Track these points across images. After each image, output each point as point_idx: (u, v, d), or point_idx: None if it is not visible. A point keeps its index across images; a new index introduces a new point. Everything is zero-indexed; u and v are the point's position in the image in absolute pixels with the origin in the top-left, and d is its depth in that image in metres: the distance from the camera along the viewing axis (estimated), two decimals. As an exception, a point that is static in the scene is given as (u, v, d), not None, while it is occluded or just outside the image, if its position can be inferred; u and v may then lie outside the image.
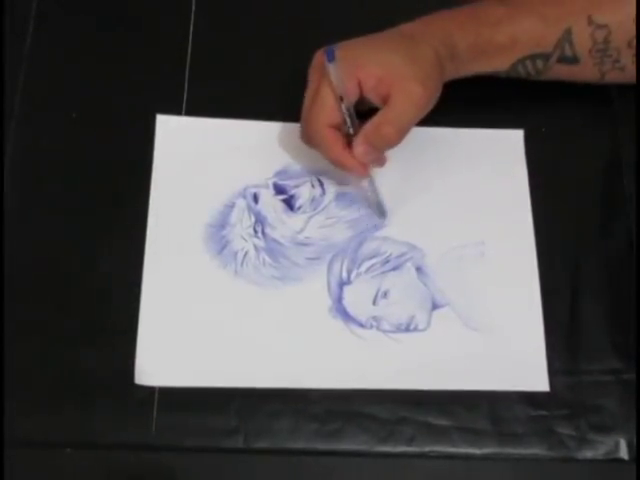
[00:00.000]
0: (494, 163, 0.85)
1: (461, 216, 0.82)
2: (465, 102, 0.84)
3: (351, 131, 0.76)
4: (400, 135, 0.76)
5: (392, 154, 0.80)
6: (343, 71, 0.74)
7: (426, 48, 0.77)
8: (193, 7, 0.89)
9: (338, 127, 0.77)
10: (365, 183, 0.81)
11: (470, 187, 0.84)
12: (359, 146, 0.76)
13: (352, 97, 0.76)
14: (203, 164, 0.83)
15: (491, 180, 0.84)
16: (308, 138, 0.78)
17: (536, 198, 0.84)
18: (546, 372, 0.77)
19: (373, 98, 0.76)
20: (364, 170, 0.78)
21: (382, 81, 0.75)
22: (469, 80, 0.82)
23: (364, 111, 0.77)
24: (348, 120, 0.76)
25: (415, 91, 0.75)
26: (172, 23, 0.89)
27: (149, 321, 0.77)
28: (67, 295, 0.78)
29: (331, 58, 0.73)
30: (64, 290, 0.78)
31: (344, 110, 0.75)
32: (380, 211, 0.82)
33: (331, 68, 0.74)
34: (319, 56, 0.78)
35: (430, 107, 0.77)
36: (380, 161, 0.80)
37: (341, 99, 0.75)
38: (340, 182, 0.83)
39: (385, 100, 0.75)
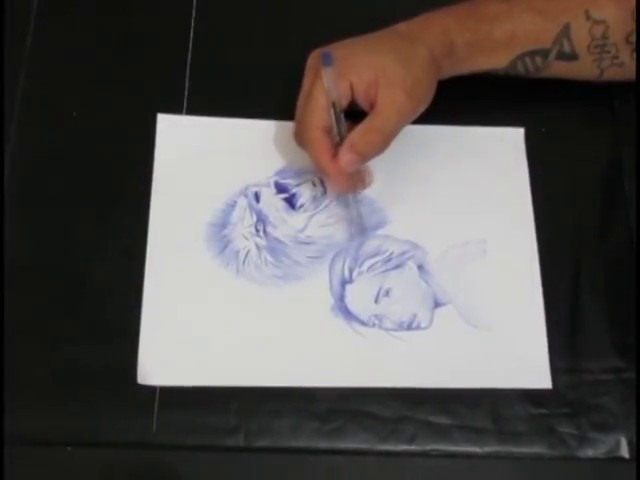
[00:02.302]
0: (495, 161, 0.85)
1: (463, 214, 0.82)
2: (465, 102, 0.84)
3: (338, 139, 0.76)
4: (386, 142, 0.76)
5: (393, 152, 0.80)
6: (338, 74, 0.75)
7: (421, 48, 0.77)
8: (194, 6, 0.90)
9: (329, 131, 0.77)
10: (349, 198, 0.81)
11: (471, 185, 0.84)
12: (345, 155, 0.75)
13: (344, 100, 0.76)
14: (204, 163, 0.83)
15: (492, 178, 0.84)
16: (300, 138, 0.78)
17: (536, 198, 0.84)
18: (548, 369, 0.77)
19: (362, 102, 0.77)
20: (345, 184, 0.77)
21: (372, 86, 0.75)
22: (470, 79, 0.82)
23: (356, 112, 0.77)
24: (335, 127, 0.76)
25: (400, 99, 0.75)
26: (173, 22, 0.89)
27: (151, 320, 0.77)
28: (68, 294, 0.78)
29: (328, 62, 0.74)
30: (65, 289, 0.78)
31: (333, 117, 0.75)
32: (361, 228, 0.81)
33: (326, 72, 0.74)
34: (314, 56, 0.78)
35: (418, 112, 0.78)
36: (362, 182, 0.80)
37: (332, 105, 0.75)
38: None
39: (372, 105, 0.76)
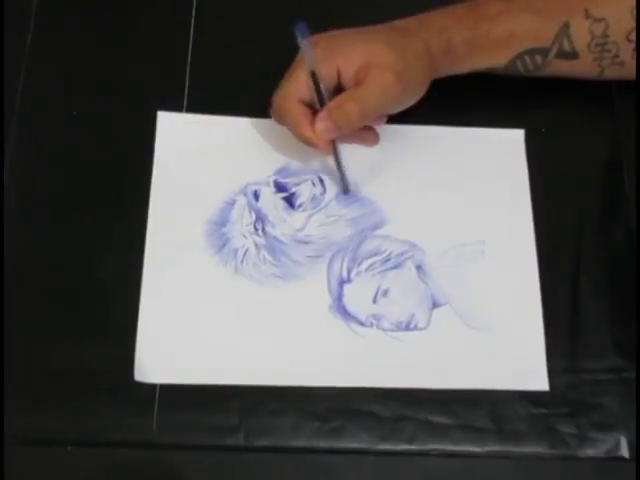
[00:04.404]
0: (495, 162, 0.85)
1: (462, 215, 0.82)
2: (465, 102, 0.85)
3: (318, 107, 0.76)
4: (362, 115, 0.76)
5: (392, 152, 0.80)
6: (324, 56, 0.75)
7: (416, 41, 0.77)
8: (194, 5, 0.90)
9: (308, 104, 0.77)
10: (330, 158, 0.81)
11: (471, 186, 0.84)
12: (320, 121, 0.76)
13: (328, 81, 0.76)
14: (204, 161, 0.83)
15: (492, 179, 0.84)
16: (276, 111, 0.79)
17: (536, 198, 0.84)
18: (546, 372, 0.77)
19: (350, 86, 0.77)
20: (327, 147, 0.78)
21: (362, 69, 0.75)
22: (470, 80, 0.82)
23: None
24: (315, 96, 0.76)
25: (387, 79, 0.75)
26: (173, 20, 0.89)
27: (149, 318, 0.77)
28: (68, 293, 0.78)
29: (303, 33, 0.74)
30: (65, 288, 0.78)
31: (312, 85, 0.75)
32: (344, 186, 0.82)
33: (302, 44, 0.74)
34: None
35: (406, 100, 0.78)
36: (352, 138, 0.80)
37: (312, 75, 0.75)
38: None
39: (359, 85, 0.76)
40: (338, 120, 0.76)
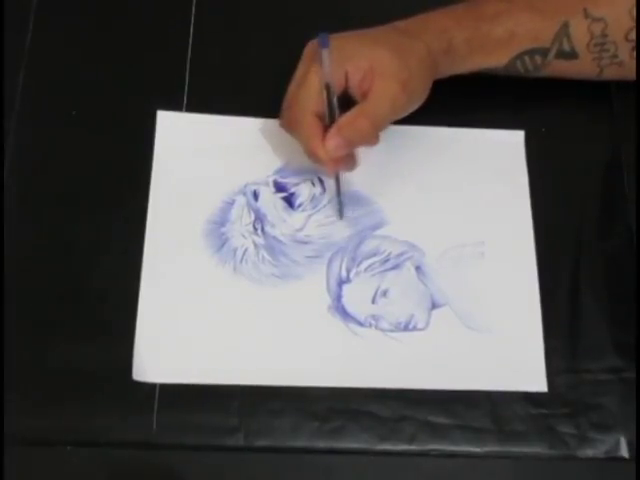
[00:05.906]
0: (495, 163, 0.85)
1: (461, 216, 0.82)
2: (465, 102, 0.85)
3: (329, 122, 0.76)
4: (374, 129, 0.76)
5: (393, 153, 0.80)
6: (335, 60, 0.75)
7: (418, 43, 0.77)
8: (194, 3, 0.90)
9: (321, 116, 0.77)
10: (331, 181, 0.81)
11: (470, 187, 0.84)
12: (331, 139, 0.75)
13: (338, 88, 0.76)
14: (203, 160, 0.83)
15: (491, 180, 0.84)
16: (289, 123, 0.78)
17: (536, 198, 0.83)
18: (544, 373, 0.77)
19: (355, 92, 0.77)
20: (334, 168, 0.78)
21: (367, 75, 0.75)
22: (469, 80, 0.82)
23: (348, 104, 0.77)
24: (327, 110, 0.76)
25: (393, 89, 0.75)
26: (173, 19, 0.89)
27: (148, 317, 0.77)
28: (67, 294, 0.78)
29: (324, 44, 0.73)
30: (64, 289, 0.78)
31: (325, 99, 0.75)
32: (339, 212, 0.82)
33: (324, 54, 0.74)
34: (311, 45, 0.78)
35: (412, 107, 0.78)
36: (349, 165, 0.80)
37: (327, 87, 0.75)
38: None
39: (365, 95, 0.76)
40: (351, 137, 0.75)
